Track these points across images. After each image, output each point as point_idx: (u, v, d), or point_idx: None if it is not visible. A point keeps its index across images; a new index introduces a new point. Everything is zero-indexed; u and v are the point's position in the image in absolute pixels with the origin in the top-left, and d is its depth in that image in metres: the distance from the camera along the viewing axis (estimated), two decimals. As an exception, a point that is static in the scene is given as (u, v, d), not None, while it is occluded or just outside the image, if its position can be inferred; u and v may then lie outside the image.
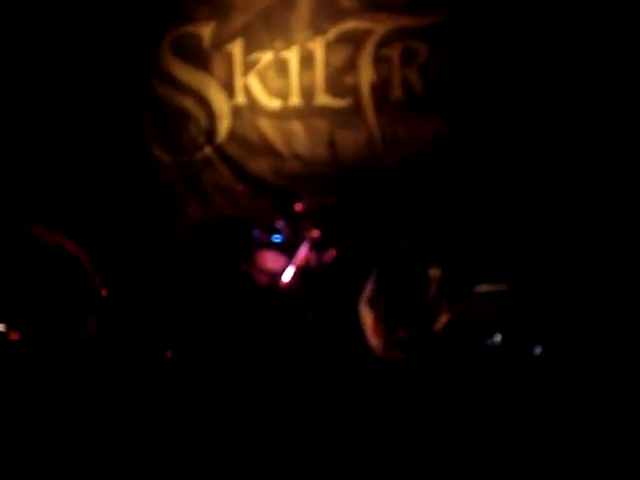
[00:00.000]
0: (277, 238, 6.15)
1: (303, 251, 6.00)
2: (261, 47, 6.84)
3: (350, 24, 6.74)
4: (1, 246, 4.71)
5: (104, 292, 4.93)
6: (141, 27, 6.94)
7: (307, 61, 6.82)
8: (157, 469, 3.13)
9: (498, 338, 5.29)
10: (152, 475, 3.00)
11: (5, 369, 3.49)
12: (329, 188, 6.52)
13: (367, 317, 5.35)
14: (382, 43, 6.73)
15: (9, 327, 4.67)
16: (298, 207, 6.13)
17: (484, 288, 5.67)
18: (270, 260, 6.09)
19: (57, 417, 3.06)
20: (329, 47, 6.80)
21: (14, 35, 6.75)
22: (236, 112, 6.92)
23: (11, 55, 6.79)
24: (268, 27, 6.83)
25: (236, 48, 6.85)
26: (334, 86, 6.83)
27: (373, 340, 5.30)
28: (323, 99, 6.86)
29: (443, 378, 5.05)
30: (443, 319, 5.30)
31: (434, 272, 5.36)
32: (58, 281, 4.00)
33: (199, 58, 6.94)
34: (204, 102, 6.95)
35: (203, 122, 6.97)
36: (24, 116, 6.87)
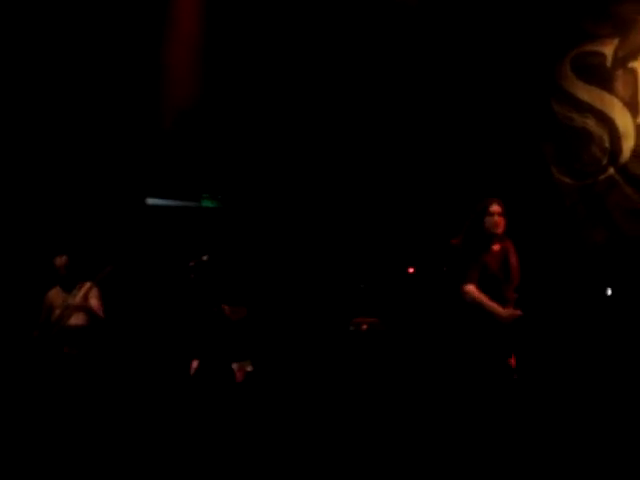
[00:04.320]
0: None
1: None
2: (668, 62, 6.48)
3: None
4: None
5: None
6: (541, 46, 6.91)
7: None
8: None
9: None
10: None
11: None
12: None
13: None
14: None
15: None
16: None
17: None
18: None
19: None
20: None
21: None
22: (641, 131, 6.60)
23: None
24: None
25: (641, 65, 6.56)
26: None
27: None
28: None
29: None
30: None
31: None
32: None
33: (601, 76, 6.74)
34: (607, 122, 6.72)
35: (606, 142, 6.73)
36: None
